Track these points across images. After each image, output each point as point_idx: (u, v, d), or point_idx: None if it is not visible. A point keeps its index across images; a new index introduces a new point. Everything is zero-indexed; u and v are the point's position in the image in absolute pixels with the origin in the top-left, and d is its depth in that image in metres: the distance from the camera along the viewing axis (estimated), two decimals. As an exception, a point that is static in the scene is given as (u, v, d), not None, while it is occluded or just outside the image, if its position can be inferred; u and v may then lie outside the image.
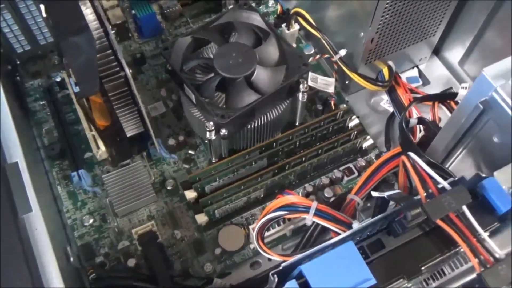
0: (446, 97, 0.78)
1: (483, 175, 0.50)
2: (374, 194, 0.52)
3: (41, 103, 0.87)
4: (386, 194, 0.49)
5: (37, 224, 0.43)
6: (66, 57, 0.62)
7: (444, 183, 0.49)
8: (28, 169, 0.46)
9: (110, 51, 0.65)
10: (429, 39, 0.87)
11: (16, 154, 0.46)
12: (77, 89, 0.61)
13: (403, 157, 0.55)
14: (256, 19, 0.79)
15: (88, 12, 0.66)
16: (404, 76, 0.92)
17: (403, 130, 0.68)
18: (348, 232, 0.47)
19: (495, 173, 0.50)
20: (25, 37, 0.87)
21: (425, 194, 0.48)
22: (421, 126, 0.77)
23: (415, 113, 0.83)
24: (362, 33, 0.77)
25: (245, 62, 0.74)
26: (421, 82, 0.92)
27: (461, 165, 0.65)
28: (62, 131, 0.82)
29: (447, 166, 0.67)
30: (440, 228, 0.46)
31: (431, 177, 0.49)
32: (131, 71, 0.67)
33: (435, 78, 0.93)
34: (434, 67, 0.95)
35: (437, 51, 0.94)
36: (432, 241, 0.48)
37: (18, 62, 0.90)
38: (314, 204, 0.64)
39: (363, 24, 0.75)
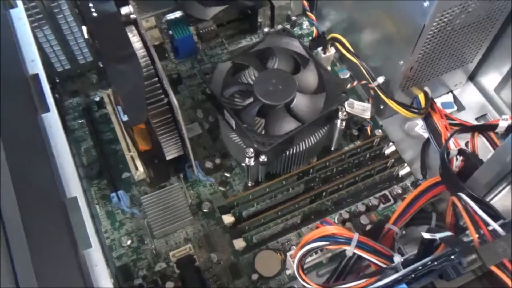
0: (486, 129, 0.77)
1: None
2: (426, 235, 0.52)
3: (80, 121, 0.88)
4: (438, 236, 0.49)
5: (97, 260, 0.44)
6: (113, 85, 0.64)
7: (495, 226, 0.49)
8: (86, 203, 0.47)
9: (156, 79, 0.66)
10: (466, 65, 0.87)
11: (75, 189, 0.47)
12: (125, 118, 0.61)
13: (454, 198, 0.55)
14: (296, 45, 0.80)
15: (134, 40, 0.67)
16: (439, 101, 0.92)
17: (444, 162, 0.68)
18: (400, 274, 0.47)
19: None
20: (66, 57, 0.88)
21: (477, 235, 0.48)
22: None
23: (451, 141, 0.83)
24: (402, 62, 0.77)
25: (285, 88, 0.75)
26: (455, 108, 0.92)
27: (505, 200, 0.64)
28: (100, 151, 0.83)
29: (488, 200, 0.67)
30: (493, 273, 0.46)
31: (482, 219, 0.49)
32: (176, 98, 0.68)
33: (470, 104, 0.93)
34: (469, 92, 0.94)
35: (472, 77, 0.94)
36: (485, 286, 0.48)
37: (57, 80, 0.91)
38: (356, 236, 0.64)
39: (404, 53, 0.75)
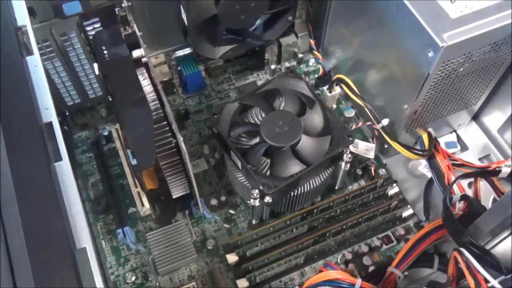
0: (488, 174, 0.78)
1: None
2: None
3: (88, 155, 0.90)
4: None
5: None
6: (124, 129, 0.65)
7: (494, 283, 0.50)
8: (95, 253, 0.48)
9: (165, 122, 0.67)
10: (469, 107, 0.88)
11: (84, 239, 0.48)
12: (134, 162, 0.63)
13: (455, 253, 0.56)
14: (302, 87, 0.81)
15: (145, 83, 0.69)
16: (442, 141, 0.93)
17: (446, 208, 0.69)
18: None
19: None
20: (76, 91, 0.90)
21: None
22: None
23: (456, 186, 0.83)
24: (406, 105, 0.78)
25: (291, 130, 0.76)
26: (459, 147, 0.93)
27: (506, 249, 0.65)
28: (108, 186, 0.85)
29: (490, 247, 0.67)
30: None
31: (483, 276, 0.50)
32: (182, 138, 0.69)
33: (474, 144, 0.94)
34: (473, 132, 0.95)
35: (476, 117, 0.95)
36: None
37: (67, 113, 0.93)
38: (359, 282, 0.65)
39: (408, 97, 0.77)
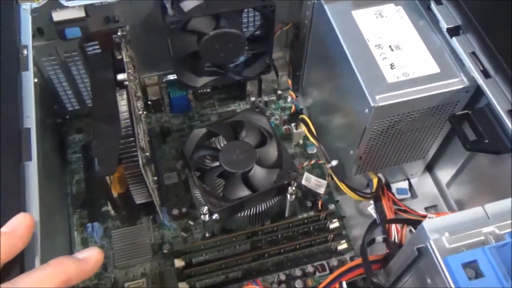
0: (411, 223, 0.87)
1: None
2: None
3: (78, 155, 1.03)
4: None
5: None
6: (94, 140, 0.77)
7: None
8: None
9: (132, 139, 0.79)
10: (421, 159, 0.96)
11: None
12: (98, 168, 0.75)
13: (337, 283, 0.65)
14: (263, 122, 0.92)
15: (122, 103, 0.81)
16: (395, 187, 1.01)
17: (363, 249, 0.78)
18: None
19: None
20: (76, 99, 1.04)
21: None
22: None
23: (394, 228, 0.92)
24: (352, 151, 0.88)
25: (245, 160, 0.87)
26: (409, 195, 1.01)
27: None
28: (88, 185, 0.97)
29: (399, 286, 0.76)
30: None
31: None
32: (147, 154, 0.81)
33: (424, 193, 1.02)
34: (425, 182, 1.04)
35: (430, 168, 1.04)
36: None
37: (67, 117, 1.07)
38: (273, 299, 0.75)
39: (353, 144, 0.86)
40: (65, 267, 0.52)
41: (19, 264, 0.55)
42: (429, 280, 0.65)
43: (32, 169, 0.64)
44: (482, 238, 0.60)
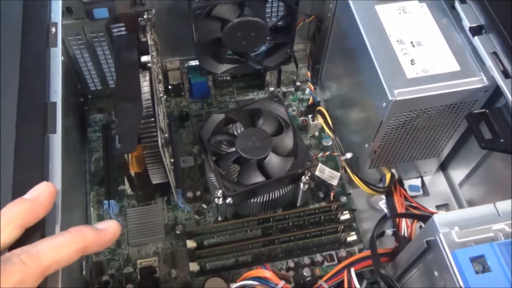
0: (421, 219, 0.87)
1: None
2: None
3: (98, 134, 1.05)
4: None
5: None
6: (116, 118, 0.79)
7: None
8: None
9: (153, 119, 0.81)
10: (434, 158, 0.97)
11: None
12: (118, 146, 0.77)
13: (346, 271, 0.66)
14: (281, 111, 0.94)
15: (145, 84, 0.83)
16: (407, 183, 1.02)
17: (373, 241, 0.79)
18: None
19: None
20: (99, 79, 1.06)
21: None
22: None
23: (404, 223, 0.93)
24: (367, 145, 0.89)
25: (261, 147, 0.88)
26: (421, 192, 1.02)
27: (415, 283, 0.74)
28: (106, 163, 1.00)
29: (404, 280, 0.77)
30: None
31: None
32: (166, 135, 0.83)
33: (436, 192, 1.02)
34: (438, 181, 1.04)
35: (444, 167, 1.04)
36: None
37: (89, 97, 1.09)
38: (281, 284, 0.76)
39: (368, 137, 0.87)
40: (85, 235, 0.54)
41: (40, 230, 0.57)
42: (436, 273, 0.67)
43: (56, 141, 0.66)
44: (492, 234, 0.61)
